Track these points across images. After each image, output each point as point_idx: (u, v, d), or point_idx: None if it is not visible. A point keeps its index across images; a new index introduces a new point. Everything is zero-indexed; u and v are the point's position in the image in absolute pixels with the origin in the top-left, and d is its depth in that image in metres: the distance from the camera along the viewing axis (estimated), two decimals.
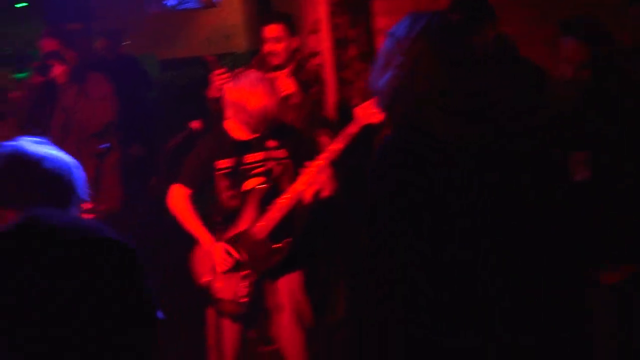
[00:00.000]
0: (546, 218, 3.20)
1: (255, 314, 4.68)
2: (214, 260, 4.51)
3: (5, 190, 2.56)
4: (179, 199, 4.59)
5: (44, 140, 2.64)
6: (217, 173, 4.55)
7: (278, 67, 5.35)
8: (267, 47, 5.33)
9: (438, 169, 3.17)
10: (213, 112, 5.02)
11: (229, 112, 4.50)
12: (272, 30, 5.33)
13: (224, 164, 4.54)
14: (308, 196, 4.52)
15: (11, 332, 1.98)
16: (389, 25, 5.26)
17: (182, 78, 9.52)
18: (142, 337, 1.67)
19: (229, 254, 4.49)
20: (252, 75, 4.47)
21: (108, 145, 4.71)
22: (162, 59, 9.81)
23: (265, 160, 4.56)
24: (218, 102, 4.81)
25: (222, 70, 5.01)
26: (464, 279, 3.25)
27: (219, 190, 4.57)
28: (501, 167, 3.16)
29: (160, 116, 7.47)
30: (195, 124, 4.49)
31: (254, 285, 4.54)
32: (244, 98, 4.39)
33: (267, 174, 4.55)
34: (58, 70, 5.79)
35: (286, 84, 5.28)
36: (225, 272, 4.51)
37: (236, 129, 4.56)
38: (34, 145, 2.59)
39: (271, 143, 4.56)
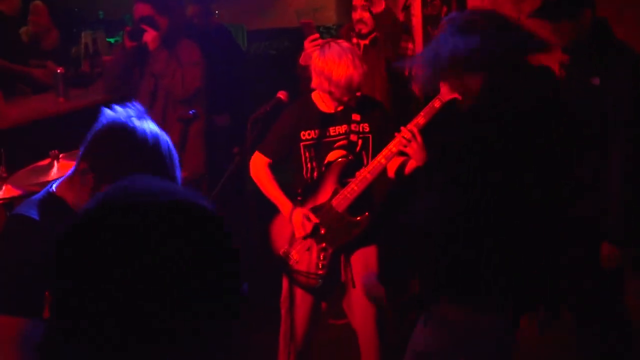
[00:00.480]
0: (551, 216, 3.19)
1: (329, 286, 4.70)
2: (292, 225, 4.54)
3: (101, 162, 2.58)
4: (258, 167, 4.63)
5: (145, 116, 2.65)
6: (300, 143, 4.58)
7: (365, 36, 5.36)
8: (356, 15, 5.35)
9: (450, 164, 3.19)
10: (302, 79, 5.03)
11: (314, 82, 4.51)
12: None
13: (307, 134, 4.56)
14: (389, 171, 4.52)
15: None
16: (481, 3, 5.22)
17: (270, 49, 9.56)
18: (223, 309, 1.65)
19: (308, 219, 4.51)
20: (339, 46, 4.47)
21: (194, 111, 4.75)
22: (251, 30, 9.84)
23: (348, 133, 4.56)
24: (307, 69, 4.83)
25: (316, 36, 5.00)
26: (468, 277, 3.25)
27: (301, 161, 4.60)
28: (504, 166, 3.14)
29: (247, 86, 7.50)
30: (281, 95, 4.50)
31: (330, 258, 4.56)
32: (330, 68, 4.39)
33: (349, 147, 4.56)
34: (150, 36, 5.85)
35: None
36: (303, 238, 4.53)
37: (322, 100, 4.57)
38: (138, 120, 2.60)
39: (355, 116, 4.56)
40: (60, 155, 4.49)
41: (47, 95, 7.31)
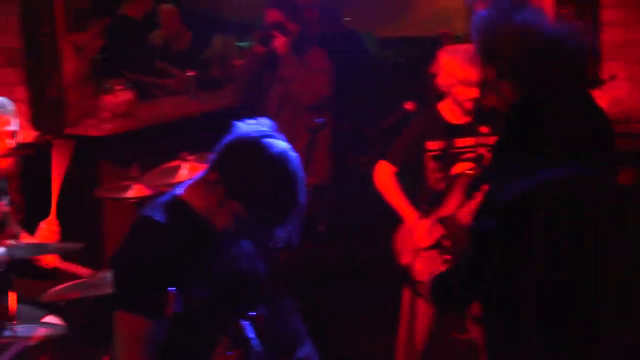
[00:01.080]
0: None
1: None
2: (416, 235, 4.49)
3: (231, 176, 2.63)
4: (384, 175, 4.61)
5: (276, 132, 2.68)
6: (426, 154, 4.55)
7: None
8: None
9: None
10: (432, 88, 5.00)
11: (440, 78, 4.48)
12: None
13: (434, 145, 4.54)
14: None
15: None
16: (617, 18, 5.08)
17: (399, 57, 9.53)
18: None
19: (434, 230, 4.45)
20: (471, 47, 4.45)
21: (324, 120, 4.78)
22: (380, 37, 9.82)
23: (476, 145, 4.52)
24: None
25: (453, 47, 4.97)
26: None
27: (427, 171, 4.57)
28: None
29: (374, 94, 7.49)
30: (409, 105, 4.49)
31: None
32: (454, 64, 4.38)
33: (477, 159, 4.51)
34: (280, 42, 5.91)
35: None
36: (427, 249, 4.47)
37: (449, 111, 4.54)
38: (268, 137, 2.64)
39: (483, 129, 4.51)
40: (190, 158, 4.57)
41: (179, 98, 7.46)
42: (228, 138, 2.66)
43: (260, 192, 2.58)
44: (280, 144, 2.62)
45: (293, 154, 2.64)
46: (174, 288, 2.51)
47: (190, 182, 2.77)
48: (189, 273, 2.60)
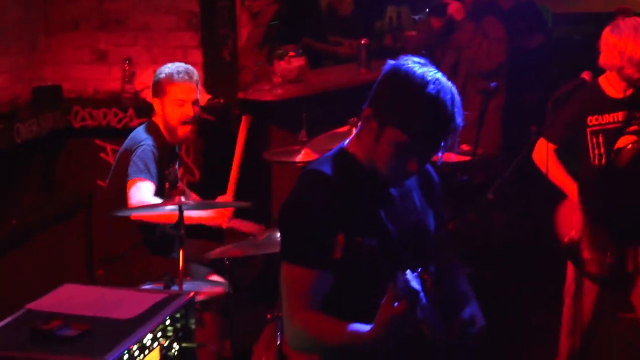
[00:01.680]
0: None
1: (618, 277, 4.52)
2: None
3: (381, 106, 2.62)
4: (543, 153, 4.50)
5: (430, 64, 2.64)
6: (587, 129, 4.43)
7: None
8: None
9: None
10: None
11: (603, 58, 4.33)
12: None
13: (595, 120, 4.41)
14: None
15: None
16: None
17: (575, 33, 9.33)
18: None
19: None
20: (636, 21, 4.29)
21: (496, 84, 4.71)
22: (556, 12, 9.64)
23: (639, 118, 4.37)
24: None
25: None
26: None
27: (588, 147, 4.45)
28: None
29: (553, 67, 7.35)
30: (586, 75, 4.38)
31: (620, 247, 4.38)
32: (624, 42, 4.21)
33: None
34: (455, 6, 5.89)
35: None
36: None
37: (610, 85, 4.40)
38: (419, 66, 2.59)
39: None
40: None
41: (349, 66, 7.53)
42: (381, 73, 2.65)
43: (413, 109, 2.53)
44: (431, 72, 2.56)
45: (447, 83, 2.57)
46: (343, 235, 2.53)
47: (354, 134, 2.78)
48: (357, 224, 2.61)
